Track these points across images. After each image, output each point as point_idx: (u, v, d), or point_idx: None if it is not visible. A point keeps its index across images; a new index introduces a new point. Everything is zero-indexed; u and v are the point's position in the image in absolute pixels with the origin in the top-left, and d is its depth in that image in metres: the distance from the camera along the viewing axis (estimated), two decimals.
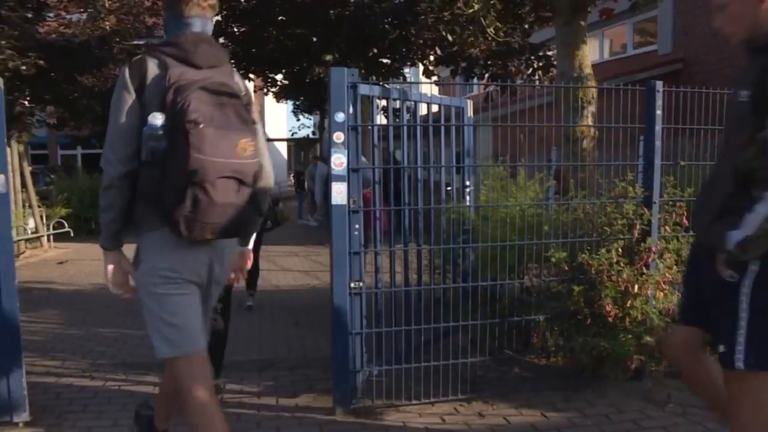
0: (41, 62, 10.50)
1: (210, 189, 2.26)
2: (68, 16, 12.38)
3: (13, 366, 3.60)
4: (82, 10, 12.51)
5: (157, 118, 2.27)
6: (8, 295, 3.57)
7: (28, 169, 13.02)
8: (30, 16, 10.79)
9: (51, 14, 12.08)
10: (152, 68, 2.36)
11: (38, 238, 12.52)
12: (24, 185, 12.33)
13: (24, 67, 10.20)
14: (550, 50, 11.00)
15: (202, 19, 2.47)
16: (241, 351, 4.97)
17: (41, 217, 12.83)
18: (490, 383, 4.06)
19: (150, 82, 2.34)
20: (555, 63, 9.30)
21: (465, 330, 4.05)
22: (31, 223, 12.62)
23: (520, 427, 3.56)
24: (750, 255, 2.10)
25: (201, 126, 2.22)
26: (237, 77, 2.55)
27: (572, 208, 4.17)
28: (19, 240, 10.90)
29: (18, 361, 3.63)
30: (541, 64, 10.96)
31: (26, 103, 12.05)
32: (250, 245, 2.86)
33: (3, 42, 10.07)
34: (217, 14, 2.69)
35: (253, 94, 3.03)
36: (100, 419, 3.74)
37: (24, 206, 12.26)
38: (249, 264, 2.83)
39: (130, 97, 2.34)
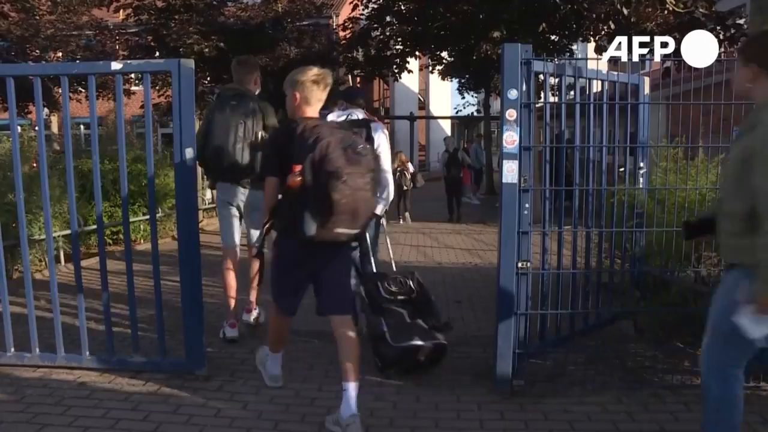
0: (221, 44, 11.31)
1: None
2: (245, 0, 13.15)
3: (196, 324, 3.93)
4: None
5: None
6: (193, 258, 3.89)
7: None
8: (215, 3, 11.68)
9: (231, 0, 12.92)
10: None
11: (214, 208, 13.49)
12: None
13: (207, 50, 11.06)
14: (740, 18, 10.10)
15: None
16: None
17: None
18: (657, 374, 3.86)
19: None
20: (747, 33, 8.41)
21: (632, 317, 3.88)
22: (208, 195, 13.63)
23: (689, 424, 3.29)
24: None
25: None
26: None
27: None
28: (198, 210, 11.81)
29: (200, 320, 3.96)
30: (728, 34, 10.04)
31: (206, 82, 12.98)
32: None
33: (191, 28, 10.99)
34: None
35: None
36: None
37: (202, 179, 13.23)
38: None
39: None
